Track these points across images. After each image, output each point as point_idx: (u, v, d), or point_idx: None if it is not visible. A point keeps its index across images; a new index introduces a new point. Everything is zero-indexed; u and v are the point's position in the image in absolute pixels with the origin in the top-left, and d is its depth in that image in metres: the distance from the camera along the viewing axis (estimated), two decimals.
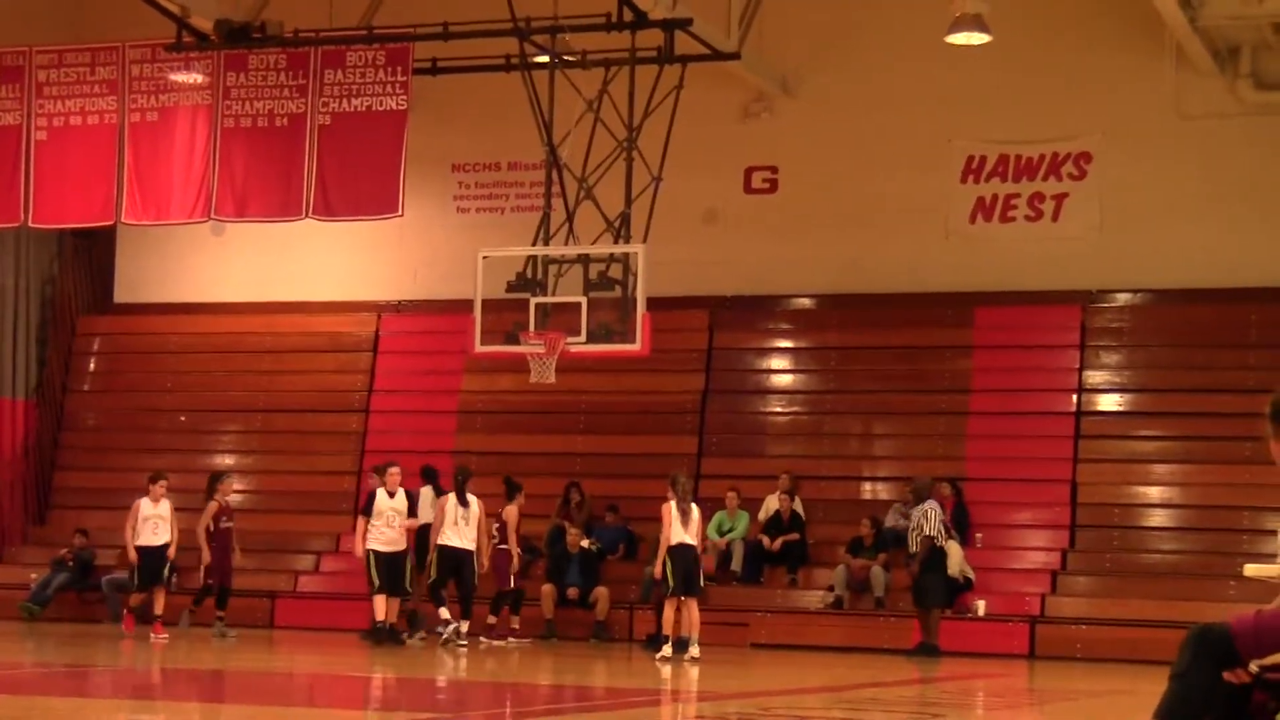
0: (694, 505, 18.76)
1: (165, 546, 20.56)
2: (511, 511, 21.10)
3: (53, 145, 21.92)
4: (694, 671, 16.90)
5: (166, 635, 20.00)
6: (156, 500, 20.62)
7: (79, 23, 25.32)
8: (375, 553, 19.91)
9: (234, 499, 22.43)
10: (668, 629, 18.41)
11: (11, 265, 26.35)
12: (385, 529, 19.99)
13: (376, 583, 19.93)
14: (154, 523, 20.54)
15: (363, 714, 12.92)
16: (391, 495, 20.12)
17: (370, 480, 21.02)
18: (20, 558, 25.45)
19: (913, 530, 20.64)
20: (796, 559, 22.73)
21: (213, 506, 20.96)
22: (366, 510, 20.18)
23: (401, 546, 20.14)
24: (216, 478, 21.48)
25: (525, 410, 24.38)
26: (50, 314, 27.09)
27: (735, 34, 21.59)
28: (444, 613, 20.11)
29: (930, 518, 20.46)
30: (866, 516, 22.47)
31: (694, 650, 18.24)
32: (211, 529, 20.84)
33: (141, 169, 21.60)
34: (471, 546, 20.23)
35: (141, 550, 20.53)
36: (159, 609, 20.54)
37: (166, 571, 20.70)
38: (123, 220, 22.12)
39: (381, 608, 19.90)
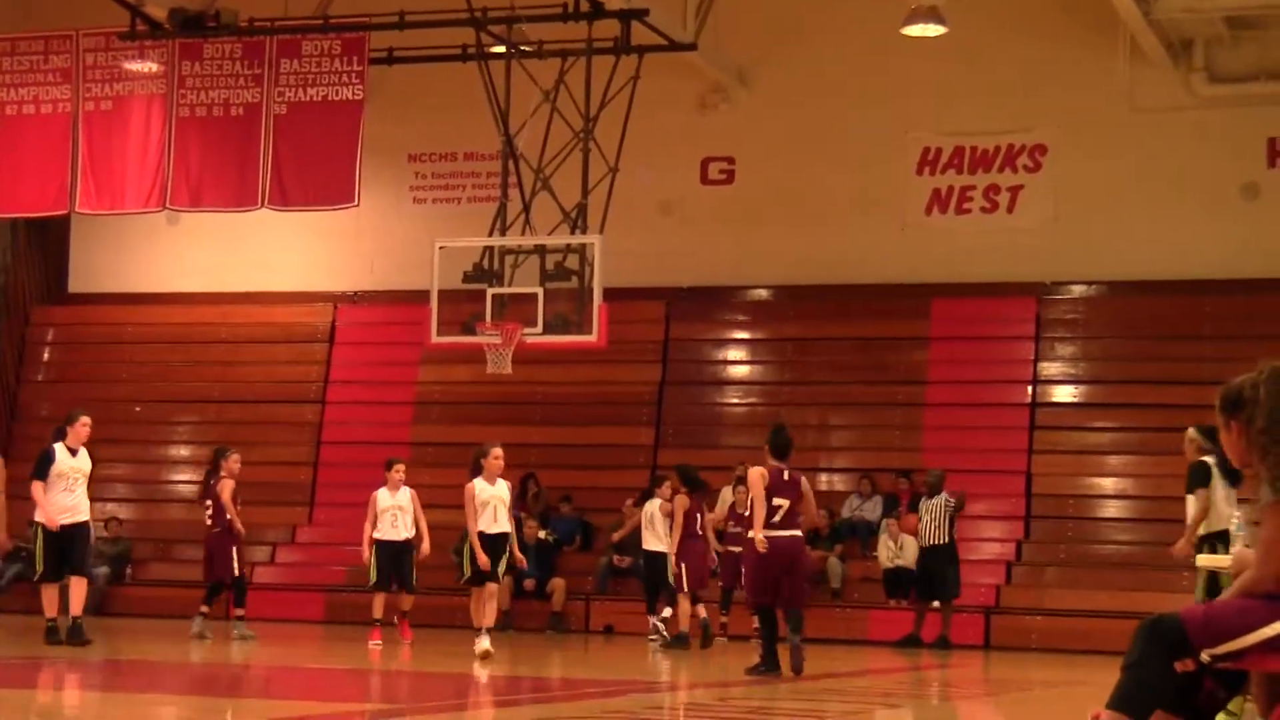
0: None
1: (407, 542, 18.37)
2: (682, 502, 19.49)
3: (5, 134, 21.81)
4: (653, 662, 16.91)
5: (412, 636, 18.50)
6: (395, 489, 18.36)
7: (31, 10, 25.11)
8: (45, 529, 16.38)
9: (190, 489, 22.19)
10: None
11: None
12: (64, 494, 16.47)
13: (40, 568, 16.55)
14: (393, 514, 18.30)
15: (313, 705, 12.89)
16: (74, 454, 16.53)
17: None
18: None
19: (930, 522, 20.64)
20: None
21: (229, 484, 18.73)
22: (41, 472, 16.38)
23: (85, 517, 16.64)
24: (222, 452, 19.06)
25: (482, 401, 24.34)
26: (3, 303, 26.92)
27: (692, 25, 21.63)
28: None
29: (950, 509, 20.58)
30: (823, 508, 22.49)
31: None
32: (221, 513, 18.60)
33: (95, 158, 21.49)
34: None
35: (380, 545, 18.29)
36: (407, 605, 18.66)
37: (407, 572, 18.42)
38: (77, 210, 22.01)
39: (52, 601, 16.63)
